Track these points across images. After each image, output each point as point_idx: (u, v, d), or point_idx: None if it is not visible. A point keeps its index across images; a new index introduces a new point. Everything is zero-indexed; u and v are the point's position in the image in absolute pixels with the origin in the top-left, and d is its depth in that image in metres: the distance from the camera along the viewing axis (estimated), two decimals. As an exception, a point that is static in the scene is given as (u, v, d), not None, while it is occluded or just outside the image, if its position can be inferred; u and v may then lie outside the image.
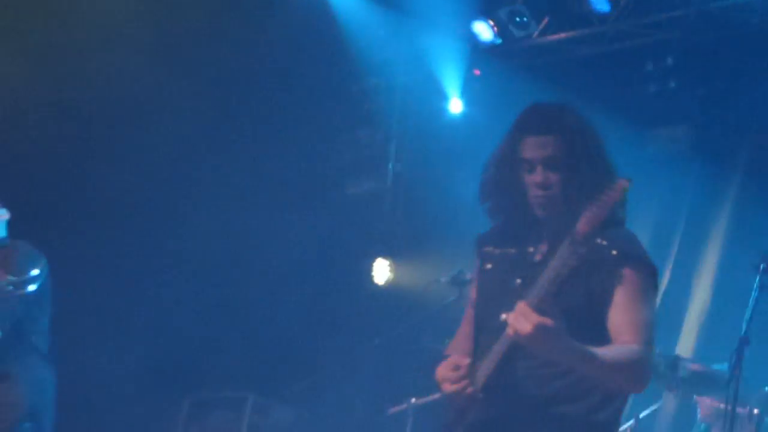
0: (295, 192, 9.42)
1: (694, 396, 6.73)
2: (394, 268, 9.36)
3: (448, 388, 3.93)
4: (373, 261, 9.40)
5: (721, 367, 6.19)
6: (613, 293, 3.84)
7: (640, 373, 3.88)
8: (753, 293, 5.88)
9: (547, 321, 3.56)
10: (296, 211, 9.35)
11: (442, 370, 3.97)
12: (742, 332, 5.72)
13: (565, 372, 3.84)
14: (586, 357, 3.73)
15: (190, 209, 9.16)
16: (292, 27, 9.14)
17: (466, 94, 9.54)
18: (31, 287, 5.92)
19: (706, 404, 6.85)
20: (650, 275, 3.93)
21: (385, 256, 9.37)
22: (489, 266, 4.09)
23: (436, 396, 7.68)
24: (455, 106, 9.50)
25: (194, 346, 9.03)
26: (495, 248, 4.13)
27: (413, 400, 7.88)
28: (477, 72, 9.36)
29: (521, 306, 3.58)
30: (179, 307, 9.12)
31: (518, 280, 3.92)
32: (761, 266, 5.97)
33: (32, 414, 5.86)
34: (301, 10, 9.05)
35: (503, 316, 3.73)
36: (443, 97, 9.46)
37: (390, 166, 9.41)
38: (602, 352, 3.73)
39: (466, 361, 3.92)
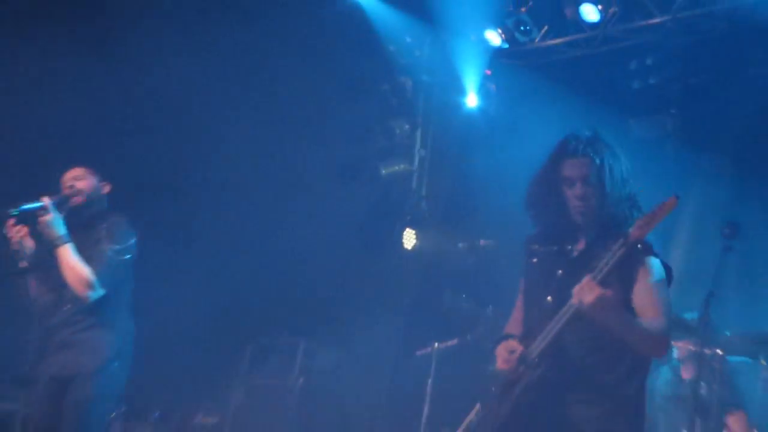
0: (339, 172, 9.46)
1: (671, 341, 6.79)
2: (420, 235, 9.29)
3: (503, 365, 4.23)
4: (403, 230, 9.33)
5: (692, 315, 6.24)
6: (637, 279, 4.09)
7: (664, 342, 4.15)
8: (719, 255, 5.94)
9: (607, 292, 3.91)
10: (341, 188, 9.40)
11: (501, 350, 4.25)
12: (710, 287, 5.82)
13: (602, 347, 4.09)
14: (631, 324, 4.04)
15: (255, 185, 9.22)
16: (335, 35, 9.16)
17: (481, 90, 9.48)
18: (129, 255, 5.91)
19: (680, 347, 6.92)
20: (663, 267, 4.15)
21: (411, 226, 9.31)
22: (535, 260, 4.39)
23: (455, 342, 7.77)
24: (471, 100, 9.44)
25: (257, 299, 9.07)
26: (540, 246, 4.40)
27: (436, 344, 7.95)
28: (488, 72, 9.33)
29: (587, 280, 3.92)
30: (244, 268, 9.14)
31: (560, 271, 4.24)
32: (725, 232, 6.01)
33: (119, 355, 5.85)
34: (343, 22, 9.08)
35: (548, 297, 4.16)
36: (461, 93, 9.41)
37: (416, 151, 9.40)
38: (638, 322, 4.04)
39: (520, 348, 4.15)
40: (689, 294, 6.14)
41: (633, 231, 3.95)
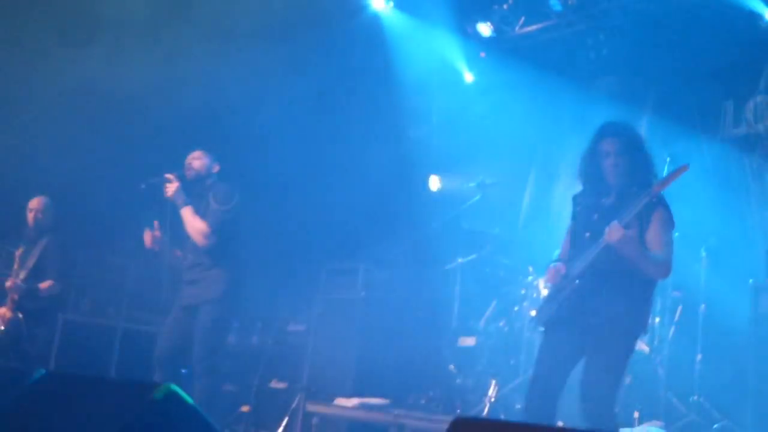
0: (379, 135, 9.63)
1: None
2: (442, 180, 9.52)
3: (550, 280, 4.85)
4: (429, 176, 9.57)
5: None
6: (651, 222, 4.58)
7: (665, 269, 4.66)
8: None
9: (628, 232, 4.46)
10: (381, 145, 9.57)
11: (553, 270, 4.83)
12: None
13: (624, 272, 4.58)
14: (643, 255, 4.54)
15: (322, 147, 9.48)
16: (360, 48, 9.38)
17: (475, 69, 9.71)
18: (232, 212, 6.15)
19: None
20: (670, 215, 4.65)
21: (435, 173, 9.54)
22: (579, 209, 4.93)
23: (474, 256, 8.08)
24: (468, 77, 9.70)
25: (327, 234, 9.40)
26: (582, 199, 4.92)
27: (460, 259, 8.29)
28: (482, 54, 9.49)
29: (615, 224, 4.46)
30: (315, 207, 9.44)
31: (595, 216, 4.78)
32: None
33: (229, 289, 6.14)
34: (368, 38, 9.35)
35: (587, 234, 4.69)
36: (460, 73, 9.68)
37: (433, 117, 9.58)
38: (648, 254, 4.54)
39: (564, 268, 4.75)
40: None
41: (654, 187, 4.49)
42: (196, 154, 6.27)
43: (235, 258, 6.26)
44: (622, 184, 4.75)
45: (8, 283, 7.39)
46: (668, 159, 7.37)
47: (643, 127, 8.14)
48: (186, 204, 6.08)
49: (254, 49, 8.63)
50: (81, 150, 8.48)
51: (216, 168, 6.31)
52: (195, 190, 6.22)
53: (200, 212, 6.12)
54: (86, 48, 8.29)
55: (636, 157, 4.75)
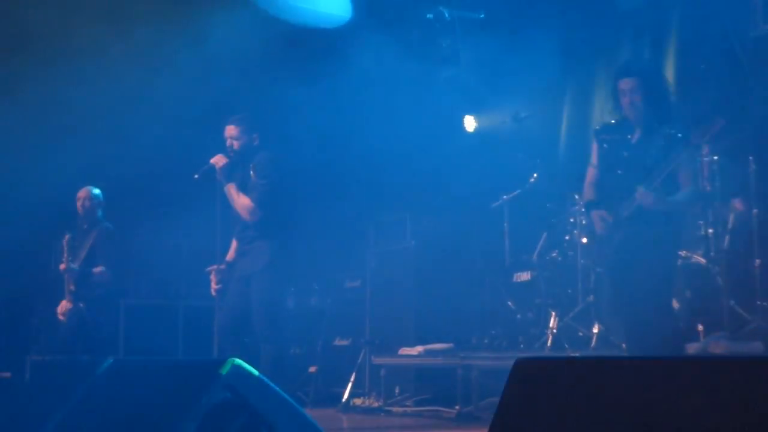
0: (410, 80, 9.53)
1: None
2: (477, 119, 9.41)
3: (599, 228, 5.14)
4: (464, 116, 9.47)
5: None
6: (683, 164, 4.91)
7: (698, 199, 5.46)
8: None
9: (657, 196, 4.82)
10: (420, 91, 9.50)
11: (594, 217, 5.20)
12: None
13: (660, 213, 4.91)
14: (673, 204, 4.93)
15: (355, 100, 9.40)
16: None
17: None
18: (273, 183, 6.18)
19: None
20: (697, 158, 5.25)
21: (470, 113, 9.44)
22: (605, 146, 5.19)
23: (517, 192, 8.03)
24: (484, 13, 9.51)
25: (373, 189, 9.41)
26: (607, 136, 5.18)
27: (504, 196, 8.25)
28: None
29: (642, 191, 4.80)
30: (355, 161, 9.46)
31: (625, 153, 5.06)
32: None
33: (278, 257, 6.16)
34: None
35: (639, 189, 4.86)
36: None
37: (461, 58, 9.43)
38: (676, 199, 4.92)
39: (609, 216, 5.04)
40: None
41: (693, 138, 4.77)
42: (233, 131, 6.24)
43: (280, 225, 6.28)
44: (644, 120, 4.99)
45: (61, 266, 7.54)
46: (702, 67, 7.23)
47: (672, 44, 7.96)
48: (228, 181, 6.11)
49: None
50: (135, 139, 8.71)
51: (256, 139, 6.29)
52: (242, 163, 6.25)
53: (244, 185, 6.14)
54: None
55: (652, 94, 4.96)
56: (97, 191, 7.96)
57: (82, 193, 7.93)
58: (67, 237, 7.61)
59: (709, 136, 4.79)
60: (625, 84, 4.96)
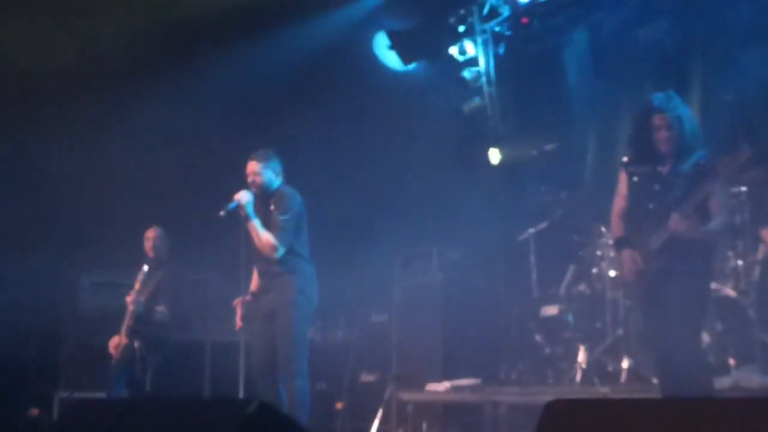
0: (433, 117, 9.58)
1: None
2: (502, 151, 9.28)
3: (630, 274, 5.08)
4: (488, 149, 9.35)
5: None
6: (713, 194, 4.87)
7: (728, 228, 5.46)
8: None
9: (690, 224, 4.83)
10: (437, 127, 9.57)
11: (625, 257, 5.12)
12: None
13: (693, 242, 4.90)
14: (708, 232, 4.95)
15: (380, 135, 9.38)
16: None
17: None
18: (295, 219, 6.14)
19: None
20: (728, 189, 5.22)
21: (494, 145, 9.32)
22: (636, 179, 5.19)
23: (544, 225, 7.96)
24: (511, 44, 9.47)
25: (395, 219, 9.35)
26: (636, 168, 5.19)
27: (530, 230, 8.17)
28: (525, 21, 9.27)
29: (676, 217, 4.80)
30: (381, 196, 9.49)
31: (656, 186, 5.05)
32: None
33: (302, 292, 6.13)
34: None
35: (672, 216, 4.83)
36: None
37: (485, 90, 9.42)
38: (708, 228, 4.92)
39: (640, 259, 5.00)
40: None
41: (719, 170, 4.78)
42: (255, 167, 6.22)
43: (304, 260, 6.26)
44: (675, 153, 5.02)
45: (129, 298, 7.58)
46: (728, 97, 7.15)
47: (697, 75, 7.90)
48: (252, 218, 6.08)
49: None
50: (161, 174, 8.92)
51: (279, 174, 6.28)
52: (264, 198, 6.22)
53: (266, 221, 6.13)
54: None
55: (685, 127, 5.00)
56: (162, 230, 8.09)
57: (150, 233, 8.02)
58: (144, 268, 7.71)
59: (737, 167, 4.77)
60: (660, 120, 5.00)
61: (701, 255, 5.03)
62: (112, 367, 7.53)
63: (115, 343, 7.53)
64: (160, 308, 7.63)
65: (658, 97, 5.10)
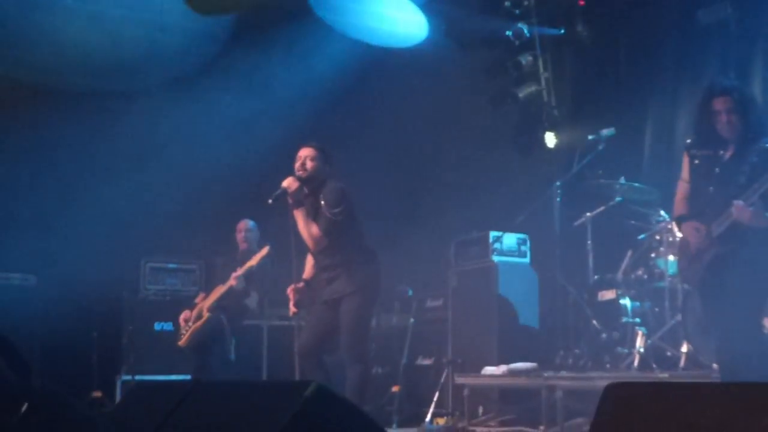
0: (489, 101, 9.51)
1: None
2: (558, 135, 9.25)
3: (694, 240, 4.99)
4: (544, 133, 9.31)
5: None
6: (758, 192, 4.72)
7: None
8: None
9: (755, 211, 4.71)
10: (494, 112, 9.51)
11: (687, 230, 5.06)
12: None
13: (756, 230, 4.77)
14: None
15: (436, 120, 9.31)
16: None
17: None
18: (343, 213, 6.06)
19: None
20: None
21: (550, 129, 9.27)
22: (697, 161, 5.10)
23: (602, 208, 7.87)
24: (573, 27, 9.29)
25: (453, 203, 9.34)
26: (698, 151, 5.09)
27: (588, 214, 8.08)
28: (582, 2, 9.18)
29: (740, 204, 4.70)
30: (438, 181, 9.43)
31: (717, 170, 4.95)
32: None
33: (369, 279, 6.13)
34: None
35: (735, 203, 4.74)
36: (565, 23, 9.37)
37: (540, 74, 9.33)
38: None
39: (704, 227, 4.91)
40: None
41: None
42: (308, 152, 6.17)
43: (364, 248, 6.26)
44: (738, 138, 4.91)
45: (234, 274, 7.84)
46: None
47: (759, 59, 7.73)
48: (299, 206, 6.07)
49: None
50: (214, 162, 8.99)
51: (329, 167, 6.23)
52: (309, 187, 6.18)
53: (312, 211, 6.12)
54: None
55: (748, 112, 4.90)
56: (253, 223, 8.31)
57: (242, 225, 8.29)
58: (221, 261, 8.06)
59: None
60: (721, 103, 4.90)
61: (764, 243, 4.92)
62: (194, 339, 7.82)
63: (187, 316, 7.72)
64: (254, 294, 7.97)
65: (720, 81, 5.01)
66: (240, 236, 8.24)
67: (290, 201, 6.06)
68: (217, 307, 7.88)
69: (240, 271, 7.80)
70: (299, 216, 6.07)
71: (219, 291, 7.98)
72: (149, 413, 3.57)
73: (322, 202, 6.07)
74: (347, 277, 6.10)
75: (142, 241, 9.07)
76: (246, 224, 8.27)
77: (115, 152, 9.22)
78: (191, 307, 8.14)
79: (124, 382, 8.57)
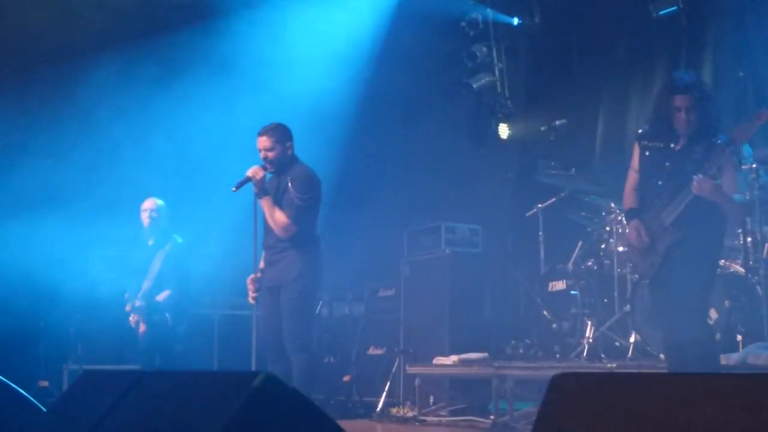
0: (443, 93, 9.54)
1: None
2: (511, 127, 9.24)
3: (637, 241, 5.07)
4: (498, 125, 9.27)
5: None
6: (726, 169, 4.84)
7: (744, 211, 5.45)
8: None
9: (717, 184, 4.75)
10: (447, 103, 9.51)
11: (630, 228, 5.13)
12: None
13: (703, 208, 4.82)
14: (732, 200, 4.87)
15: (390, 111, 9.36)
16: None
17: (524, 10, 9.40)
18: (311, 201, 6.03)
19: None
20: (740, 158, 5.04)
21: (503, 120, 9.24)
22: (648, 153, 5.12)
23: (553, 200, 7.94)
24: (527, 18, 9.31)
25: (405, 198, 9.35)
26: (650, 142, 5.13)
27: (539, 204, 8.15)
28: None
29: (701, 177, 4.71)
30: (390, 170, 9.45)
31: (667, 163, 4.99)
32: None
33: (308, 267, 5.99)
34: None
35: (695, 177, 4.74)
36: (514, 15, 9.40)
37: (495, 65, 9.37)
38: (732, 197, 4.85)
39: (645, 233, 5.00)
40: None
41: (736, 136, 4.70)
42: (266, 142, 6.07)
43: (312, 236, 6.16)
44: (692, 133, 4.98)
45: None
46: (741, 74, 7.12)
47: (709, 52, 7.82)
48: (264, 195, 5.99)
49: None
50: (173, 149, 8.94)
51: (290, 148, 6.13)
52: (277, 173, 6.13)
53: (279, 195, 6.04)
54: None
55: (707, 110, 4.95)
56: (162, 201, 7.72)
57: (148, 204, 7.67)
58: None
59: (751, 133, 4.74)
60: (681, 101, 4.94)
61: (717, 228, 5.01)
62: (141, 338, 7.45)
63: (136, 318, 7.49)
64: (162, 296, 7.42)
65: (682, 77, 5.02)
66: (145, 215, 7.62)
67: (255, 190, 5.98)
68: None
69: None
70: (265, 205, 5.99)
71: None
72: (95, 403, 3.52)
73: (290, 185, 5.99)
74: (288, 264, 6.02)
75: (91, 229, 8.94)
76: (153, 203, 7.65)
77: (59, 136, 9.03)
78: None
79: (71, 372, 8.45)
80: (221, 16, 9.07)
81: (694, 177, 4.75)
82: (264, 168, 6.01)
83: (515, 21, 9.35)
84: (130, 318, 7.44)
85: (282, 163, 6.09)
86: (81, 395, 3.88)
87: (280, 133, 6.11)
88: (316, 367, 6.10)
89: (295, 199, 5.96)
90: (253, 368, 6.11)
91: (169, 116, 8.94)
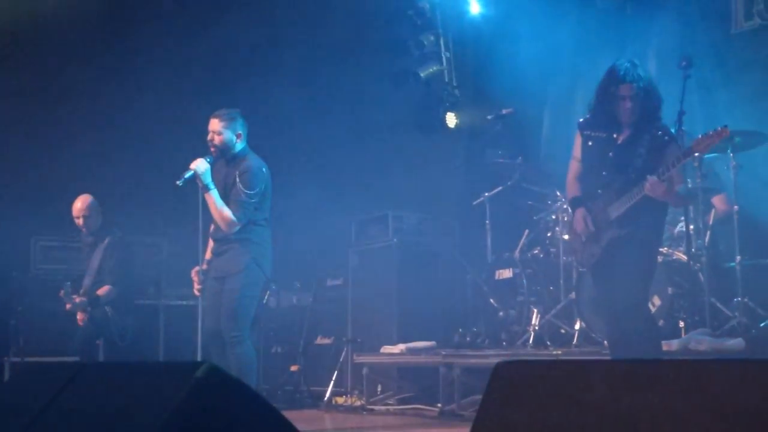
0: (391, 81, 9.46)
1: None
2: (458, 116, 9.25)
3: (579, 228, 5.09)
4: (445, 114, 9.28)
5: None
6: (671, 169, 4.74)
7: (687, 201, 5.63)
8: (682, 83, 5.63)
9: (669, 187, 4.76)
10: (395, 92, 9.46)
11: (576, 216, 5.13)
12: (679, 108, 5.50)
13: (655, 210, 4.94)
14: (678, 196, 4.94)
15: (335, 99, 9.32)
16: None
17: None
18: (258, 196, 5.94)
19: None
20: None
21: (451, 109, 9.26)
22: (590, 143, 5.12)
23: (500, 189, 7.98)
24: (474, 8, 9.36)
25: (353, 187, 9.32)
26: (592, 132, 5.11)
27: (486, 194, 8.16)
28: None
29: (654, 180, 4.72)
30: (336, 160, 9.46)
31: (611, 153, 5.00)
32: (683, 65, 5.88)
33: (254, 259, 5.93)
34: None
35: (650, 178, 4.74)
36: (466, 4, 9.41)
37: (442, 54, 9.35)
38: (680, 192, 4.92)
39: (590, 218, 5.03)
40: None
41: (695, 146, 4.72)
42: (216, 125, 5.96)
43: (260, 227, 6.08)
44: (635, 123, 4.96)
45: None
46: (684, 63, 7.18)
47: (653, 47, 7.92)
48: (208, 189, 5.88)
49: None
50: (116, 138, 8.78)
51: (240, 137, 6.03)
52: (222, 159, 6.03)
53: (228, 188, 5.95)
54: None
55: (650, 99, 4.92)
56: (90, 197, 7.51)
57: (76, 208, 7.47)
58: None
59: (711, 147, 4.81)
60: (626, 90, 4.89)
61: (659, 223, 5.09)
62: (81, 331, 7.32)
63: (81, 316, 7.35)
64: (103, 291, 7.34)
65: (624, 66, 4.96)
66: (78, 216, 7.45)
67: (200, 184, 5.85)
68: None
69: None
70: (210, 200, 5.87)
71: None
72: (35, 394, 3.45)
73: (238, 179, 5.89)
74: (234, 255, 5.96)
75: (32, 218, 8.77)
76: (84, 201, 7.45)
77: (4, 127, 8.88)
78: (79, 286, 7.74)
79: (12, 364, 8.29)
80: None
81: (648, 178, 4.74)
82: (208, 160, 5.90)
83: (463, 9, 9.33)
84: (77, 316, 7.32)
85: (227, 150, 5.99)
86: (19, 387, 3.81)
87: (232, 121, 6.00)
88: (254, 361, 5.99)
89: (241, 194, 5.88)
90: (199, 358, 6.03)
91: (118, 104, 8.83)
